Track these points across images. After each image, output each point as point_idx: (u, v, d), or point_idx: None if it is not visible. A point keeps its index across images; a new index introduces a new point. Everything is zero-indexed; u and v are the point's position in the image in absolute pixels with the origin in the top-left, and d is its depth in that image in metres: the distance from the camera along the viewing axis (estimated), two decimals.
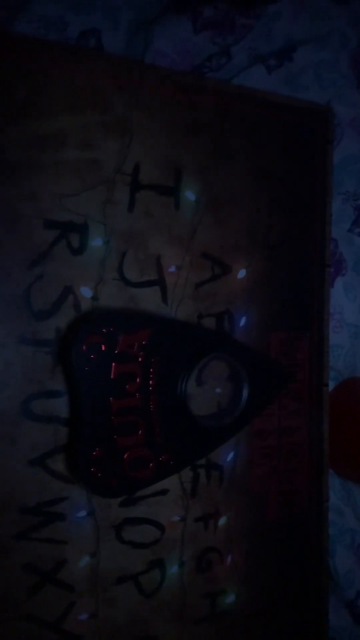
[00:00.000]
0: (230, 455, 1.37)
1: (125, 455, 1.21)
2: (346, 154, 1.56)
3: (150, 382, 1.21)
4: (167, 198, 1.26)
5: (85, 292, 1.19)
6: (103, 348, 1.16)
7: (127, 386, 1.20)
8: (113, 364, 1.18)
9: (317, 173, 1.44)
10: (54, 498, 1.20)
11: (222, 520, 1.37)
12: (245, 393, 1.32)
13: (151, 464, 1.23)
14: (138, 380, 1.20)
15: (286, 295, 1.41)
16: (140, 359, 1.20)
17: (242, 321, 1.37)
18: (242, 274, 1.36)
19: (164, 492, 1.30)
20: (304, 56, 1.51)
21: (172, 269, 1.27)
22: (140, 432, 1.21)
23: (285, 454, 1.43)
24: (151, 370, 1.21)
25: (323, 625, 1.49)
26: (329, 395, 1.49)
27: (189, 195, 1.28)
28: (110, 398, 1.18)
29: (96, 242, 1.20)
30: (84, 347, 1.15)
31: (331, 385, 1.61)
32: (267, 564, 1.43)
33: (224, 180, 1.33)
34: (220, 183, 1.32)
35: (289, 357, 1.42)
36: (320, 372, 1.45)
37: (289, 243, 1.41)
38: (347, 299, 1.58)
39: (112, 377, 1.18)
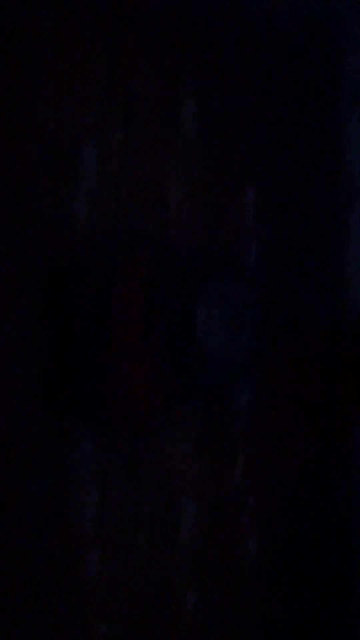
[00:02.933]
0: (249, 389, 1.28)
1: (129, 385, 1.13)
2: None
3: (156, 306, 1.13)
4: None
5: None
6: (101, 268, 1.09)
7: (129, 310, 1.12)
8: (114, 286, 1.10)
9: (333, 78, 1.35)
10: (54, 431, 1.12)
11: (243, 460, 1.28)
12: (261, 321, 1.23)
13: (159, 394, 1.15)
14: (142, 304, 1.12)
15: (304, 216, 1.32)
16: (143, 281, 1.12)
17: (253, 250, 1.28)
18: (251, 194, 1.27)
19: (177, 424, 1.22)
20: None
21: (176, 193, 1.19)
22: (145, 360, 1.13)
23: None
24: (156, 293, 1.13)
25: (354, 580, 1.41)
26: None
27: (190, 105, 1.19)
28: (111, 323, 1.10)
29: None
30: (84, 268, 1.08)
31: None
32: (294, 511, 1.34)
33: (228, 90, 1.24)
34: (224, 93, 1.24)
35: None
36: None
37: (301, 167, 1.32)
38: None
39: (112, 301, 1.10)
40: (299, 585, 1.35)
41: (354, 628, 1.37)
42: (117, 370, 1.11)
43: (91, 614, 1.17)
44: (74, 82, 1.09)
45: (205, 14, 1.21)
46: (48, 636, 1.13)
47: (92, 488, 1.17)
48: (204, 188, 1.24)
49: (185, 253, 1.18)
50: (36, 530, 1.13)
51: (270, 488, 1.32)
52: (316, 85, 1.34)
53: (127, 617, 1.20)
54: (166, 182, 1.20)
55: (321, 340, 1.33)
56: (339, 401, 1.37)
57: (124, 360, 1.11)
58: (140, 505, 1.22)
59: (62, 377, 1.13)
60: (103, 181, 1.13)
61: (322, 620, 1.37)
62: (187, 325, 1.16)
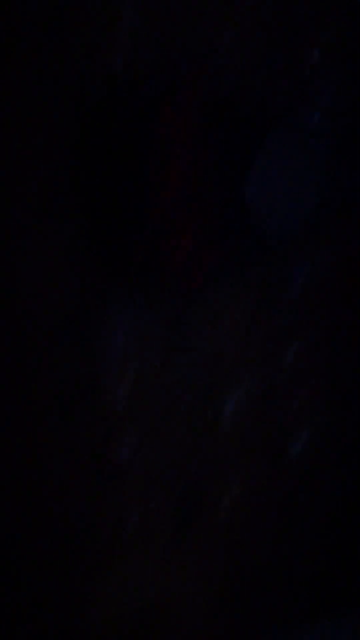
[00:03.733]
0: (303, 270, 1.14)
1: (175, 257, 1.00)
2: None
3: (204, 169, 0.99)
4: None
5: None
6: (142, 112, 0.94)
7: (171, 172, 0.98)
8: (157, 137, 0.96)
9: None
10: (91, 299, 1.00)
11: (294, 348, 1.15)
12: (316, 198, 1.09)
13: (205, 268, 1.02)
14: (188, 156, 0.98)
15: None
16: (188, 135, 0.97)
17: (317, 114, 1.13)
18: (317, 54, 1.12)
19: (223, 301, 1.09)
20: None
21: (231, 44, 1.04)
22: (191, 230, 1.00)
23: None
24: (204, 152, 0.99)
25: None
26: None
27: None
28: (153, 176, 0.96)
29: None
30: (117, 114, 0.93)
31: None
32: (345, 412, 1.21)
33: None
34: None
35: None
36: None
37: None
38: None
39: (154, 151, 0.96)
40: (349, 488, 1.23)
41: None
42: (160, 232, 0.98)
43: (122, 502, 1.06)
44: None
45: None
46: (75, 522, 1.03)
47: (128, 362, 1.05)
48: (265, 25, 1.08)
49: (240, 97, 1.03)
50: (66, 405, 1.02)
51: (324, 381, 1.19)
52: None
53: (161, 508, 1.09)
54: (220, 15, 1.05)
55: None
56: None
57: (167, 221, 0.98)
58: (180, 386, 1.10)
59: (99, 236, 1.00)
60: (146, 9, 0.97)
61: None
62: (240, 184, 1.02)
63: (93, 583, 1.07)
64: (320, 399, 1.19)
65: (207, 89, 1.05)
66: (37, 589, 1.03)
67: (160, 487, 1.11)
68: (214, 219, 1.02)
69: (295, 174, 1.06)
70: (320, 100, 1.12)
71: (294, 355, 1.17)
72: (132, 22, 0.97)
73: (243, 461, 1.16)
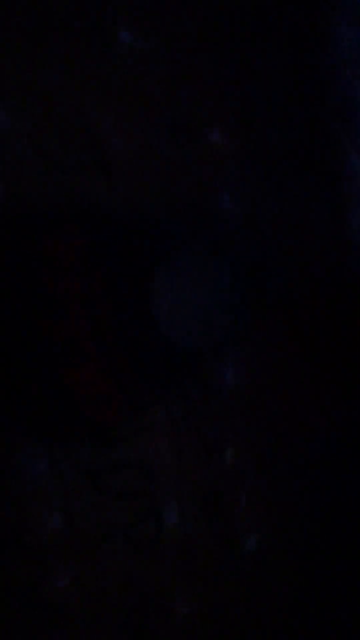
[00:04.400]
0: (231, 372, 1.08)
1: (78, 392, 0.94)
2: None
3: (101, 295, 0.92)
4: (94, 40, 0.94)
5: None
6: (24, 255, 0.88)
7: (68, 304, 0.91)
8: (43, 275, 0.89)
9: None
10: (4, 448, 0.95)
11: (228, 453, 1.09)
12: (235, 302, 1.01)
13: (115, 400, 0.96)
14: (81, 294, 0.91)
15: (284, 160, 1.09)
16: (80, 267, 0.91)
17: (226, 198, 1.06)
18: (216, 135, 1.04)
19: (146, 427, 1.03)
20: None
21: (117, 140, 0.97)
22: (94, 361, 0.93)
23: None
24: (98, 279, 0.92)
25: None
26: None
27: (125, 36, 0.96)
28: (46, 321, 0.90)
29: None
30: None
31: None
32: (296, 503, 1.15)
33: (184, 15, 1.00)
34: (178, 19, 0.99)
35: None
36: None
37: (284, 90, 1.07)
38: None
39: (45, 292, 0.90)
40: (303, 582, 1.18)
41: None
42: (65, 374, 0.92)
43: (63, 636, 1.02)
44: None
45: None
46: None
47: (53, 507, 1.00)
48: (154, 133, 1.01)
49: (134, 218, 0.96)
50: None
51: (269, 475, 1.13)
52: None
53: (109, 635, 1.05)
54: (103, 130, 0.98)
55: (319, 295, 1.11)
56: (348, 365, 1.16)
57: (70, 361, 0.92)
58: (115, 506, 1.05)
59: (3, 387, 0.94)
60: (17, 137, 0.91)
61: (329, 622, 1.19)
62: (145, 310, 0.96)
63: None
64: (264, 499, 1.13)
65: (100, 203, 0.98)
66: None
67: (103, 614, 1.06)
68: (121, 338, 0.96)
69: (203, 282, 0.99)
70: (227, 204, 1.05)
71: (231, 458, 1.11)
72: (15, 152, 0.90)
73: (192, 572, 1.11)
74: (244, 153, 1.08)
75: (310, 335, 1.12)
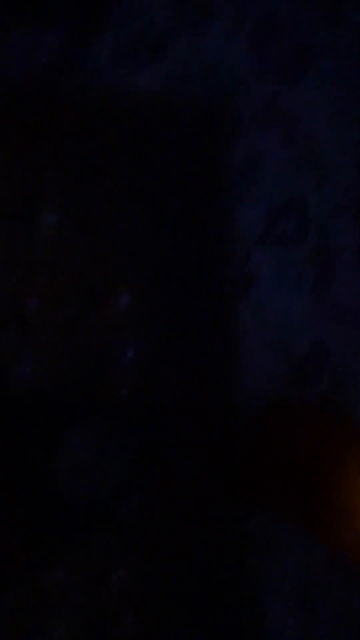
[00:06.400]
0: (125, 499, 1.20)
1: None
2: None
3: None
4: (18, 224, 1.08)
5: None
6: None
7: None
8: None
9: (217, 175, 1.26)
10: None
11: (116, 577, 1.21)
12: (123, 463, 1.12)
13: (20, 557, 1.04)
14: None
15: (183, 320, 1.23)
16: None
17: (130, 353, 1.19)
18: (124, 300, 1.18)
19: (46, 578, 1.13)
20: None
21: (33, 304, 1.10)
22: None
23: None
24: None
25: None
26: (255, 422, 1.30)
27: (49, 217, 1.10)
28: None
29: None
30: None
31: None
32: (183, 628, 1.27)
33: (95, 197, 1.15)
34: (90, 201, 1.14)
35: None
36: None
37: (183, 259, 1.23)
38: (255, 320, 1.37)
39: None
40: None
41: None
42: None
43: None
44: None
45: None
46: None
47: None
48: (67, 298, 1.14)
49: (36, 388, 1.09)
50: None
51: (153, 601, 1.25)
52: (198, 174, 1.24)
53: None
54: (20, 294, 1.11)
55: (210, 447, 1.24)
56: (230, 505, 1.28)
57: None
58: None
59: None
60: None
61: None
62: (46, 478, 1.06)
63: None
64: (152, 614, 1.24)
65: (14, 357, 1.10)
66: None
67: None
68: (22, 497, 1.06)
69: (101, 446, 1.11)
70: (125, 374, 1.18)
71: (118, 581, 1.22)
72: None
73: None
74: (148, 312, 1.22)
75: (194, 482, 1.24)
